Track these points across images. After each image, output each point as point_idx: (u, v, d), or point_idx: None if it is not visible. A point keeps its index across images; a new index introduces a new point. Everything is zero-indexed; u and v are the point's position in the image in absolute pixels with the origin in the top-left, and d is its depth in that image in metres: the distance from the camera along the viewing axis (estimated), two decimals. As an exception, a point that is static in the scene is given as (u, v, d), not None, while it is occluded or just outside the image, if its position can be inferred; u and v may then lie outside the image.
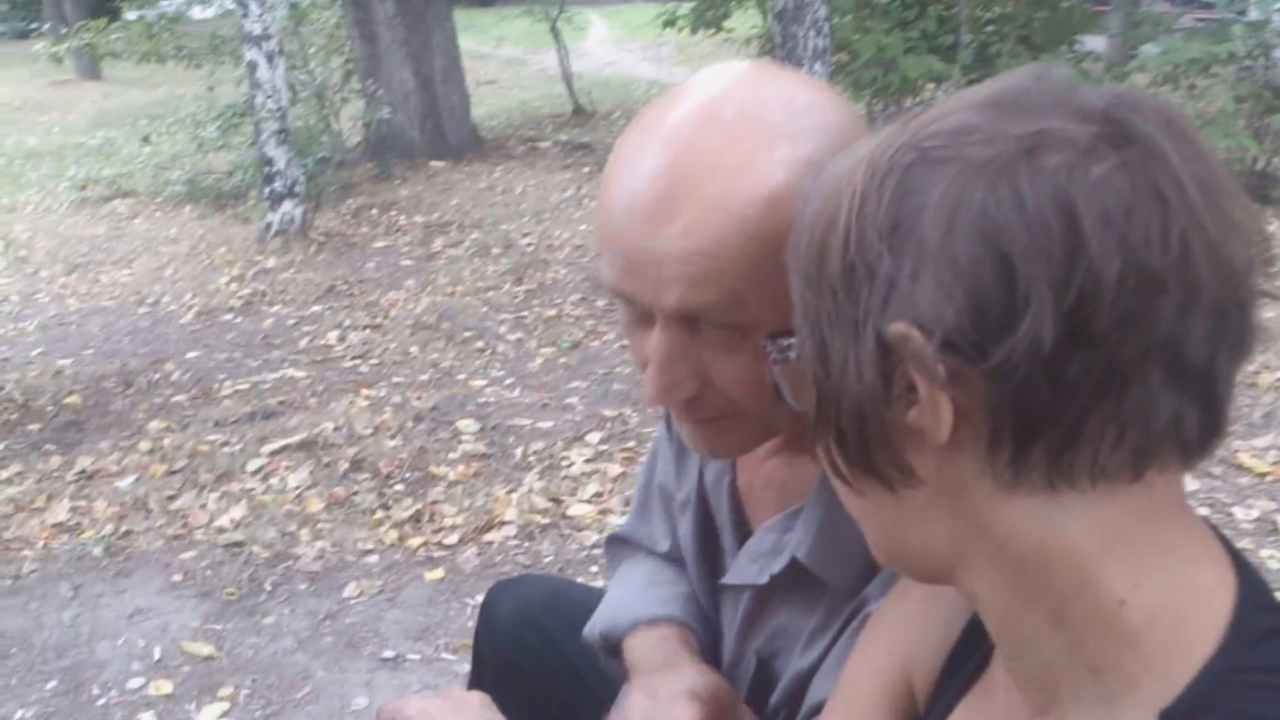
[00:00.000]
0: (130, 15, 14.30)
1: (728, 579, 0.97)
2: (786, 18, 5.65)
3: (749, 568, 0.93)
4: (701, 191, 0.71)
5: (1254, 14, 6.24)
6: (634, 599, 1.09)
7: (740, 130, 0.72)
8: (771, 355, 0.67)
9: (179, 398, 4.27)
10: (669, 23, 10.32)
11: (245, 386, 4.38)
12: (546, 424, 3.82)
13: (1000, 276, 0.47)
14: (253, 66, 6.36)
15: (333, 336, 4.99)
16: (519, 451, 3.60)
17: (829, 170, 0.57)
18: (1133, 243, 0.46)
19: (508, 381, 4.32)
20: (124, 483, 3.44)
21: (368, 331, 5.04)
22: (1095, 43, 9.25)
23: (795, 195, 0.69)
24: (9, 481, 3.54)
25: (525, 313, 5.17)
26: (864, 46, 6.94)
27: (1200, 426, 0.50)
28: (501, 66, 15.57)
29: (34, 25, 19.57)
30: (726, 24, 10.02)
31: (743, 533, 0.97)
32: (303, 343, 4.95)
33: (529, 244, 6.34)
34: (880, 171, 0.51)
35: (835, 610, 0.86)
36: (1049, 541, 0.52)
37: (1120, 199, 0.46)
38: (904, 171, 0.50)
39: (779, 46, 5.73)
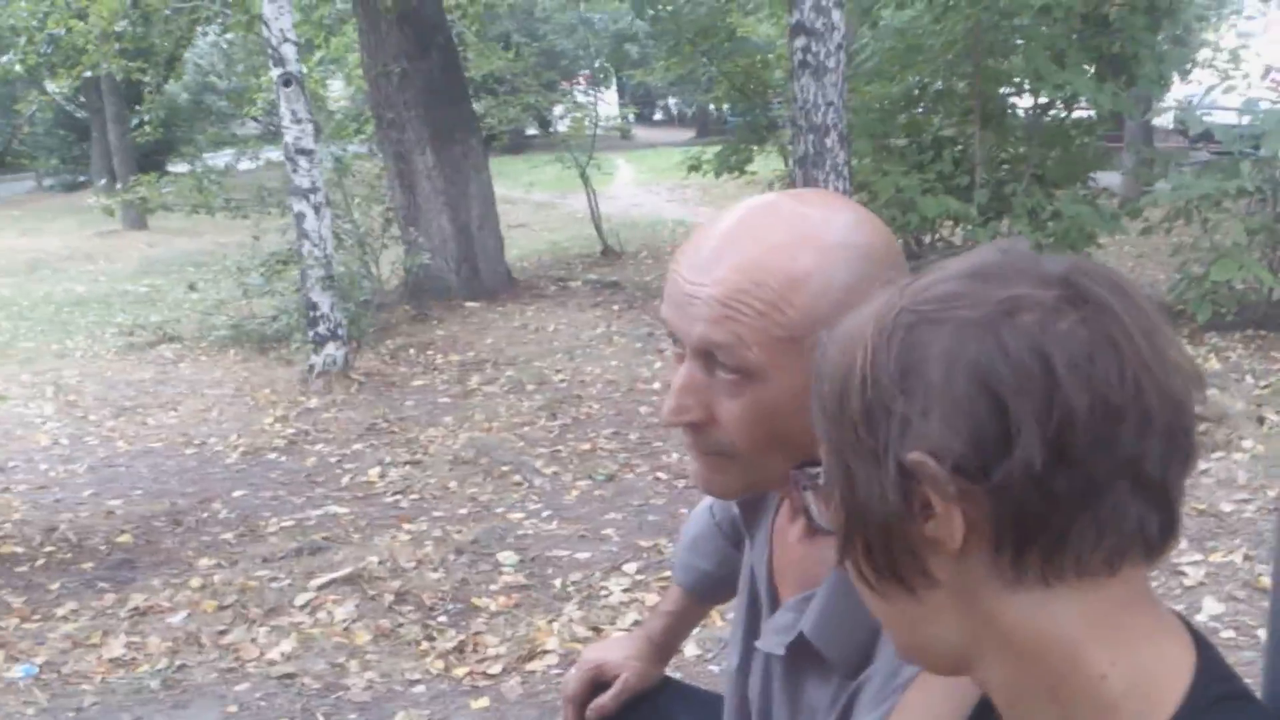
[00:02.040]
0: (176, 168, 15.06)
1: (758, 644, 1.10)
2: (808, 162, 5.92)
3: (772, 638, 1.05)
4: (739, 255, 0.89)
5: (1263, 150, 6.47)
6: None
7: (788, 221, 0.91)
8: (801, 482, 0.77)
9: (227, 535, 4.39)
10: (694, 167, 10.72)
11: (291, 523, 4.49)
12: (584, 555, 3.91)
13: (995, 412, 0.59)
14: (300, 217, 6.69)
15: (374, 473, 5.13)
16: (558, 582, 3.68)
17: (841, 327, 0.69)
18: (1096, 381, 0.59)
19: (545, 514, 4.42)
20: (176, 618, 3.54)
21: (408, 468, 5.17)
22: (1109, 178, 9.54)
23: (814, 283, 0.88)
24: (66, 618, 3.65)
25: (560, 447, 5.30)
26: (883, 188, 7.21)
27: (1160, 529, 0.62)
28: (532, 210, 16.11)
29: (83, 178, 20.46)
30: (749, 168, 10.41)
31: (775, 606, 1.10)
32: (345, 480, 5.08)
33: (562, 380, 6.52)
34: (886, 330, 0.63)
35: (841, 689, 0.97)
36: (1045, 629, 0.63)
37: (1083, 347, 0.59)
38: (907, 330, 0.62)
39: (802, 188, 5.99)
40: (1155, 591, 0.66)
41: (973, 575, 0.64)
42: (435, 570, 3.79)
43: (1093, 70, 7.30)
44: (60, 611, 3.72)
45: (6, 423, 6.18)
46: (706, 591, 1.49)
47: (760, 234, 0.90)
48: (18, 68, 10.86)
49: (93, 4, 9.19)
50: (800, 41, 5.75)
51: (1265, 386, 5.45)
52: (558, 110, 14.16)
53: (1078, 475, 0.59)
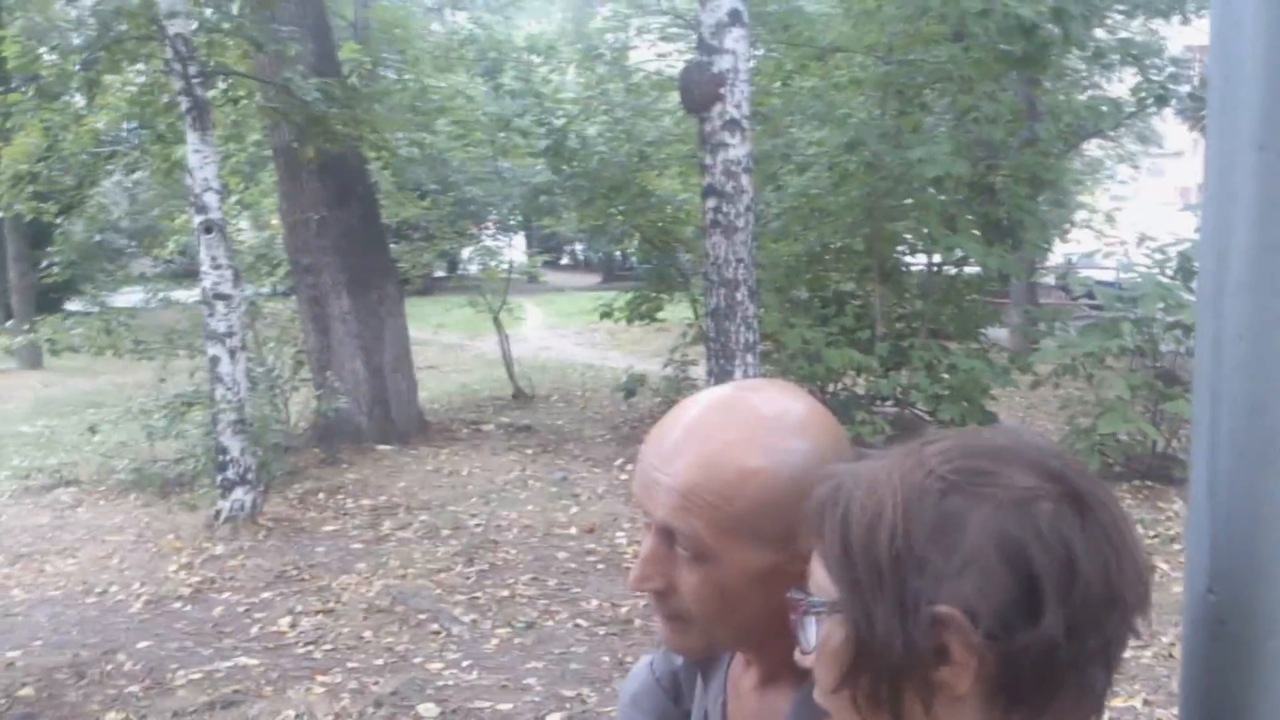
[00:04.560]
0: (75, 307, 14.78)
1: None
2: (720, 314, 6.18)
3: None
4: (696, 451, 0.99)
5: (1140, 311, 6.95)
6: None
7: (742, 419, 1.01)
8: (802, 607, 0.82)
9: (133, 688, 4.24)
10: (606, 314, 10.98)
11: (199, 676, 4.37)
12: (506, 706, 3.89)
13: (1026, 586, 0.70)
14: (215, 360, 6.67)
15: (285, 623, 5.03)
16: (481, 735, 3.65)
17: (859, 477, 0.78)
18: (1106, 572, 0.71)
19: (465, 663, 4.39)
20: (81, 778, 3.40)
21: (320, 617, 5.09)
22: (998, 334, 10.07)
23: (763, 478, 0.97)
24: (-43, 780, 3.48)
25: (478, 594, 5.29)
26: (790, 339, 7.52)
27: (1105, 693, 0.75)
28: (442, 351, 16.18)
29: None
30: (659, 315, 10.71)
31: None
32: (255, 630, 4.97)
33: (478, 525, 6.51)
34: (918, 489, 0.73)
35: None
36: None
37: (1094, 540, 0.71)
38: (940, 495, 0.72)
39: (713, 339, 6.23)
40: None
41: (962, 717, 0.73)
42: (356, 723, 3.73)
43: (980, 234, 7.82)
44: (-49, 774, 3.54)
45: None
46: None
47: (716, 431, 1.01)
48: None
49: (6, 146, 9.19)
50: (712, 202, 6.08)
51: (1154, 536, 5.75)
52: (466, 253, 14.41)
53: (1077, 650, 0.70)
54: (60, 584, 5.75)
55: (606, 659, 4.36)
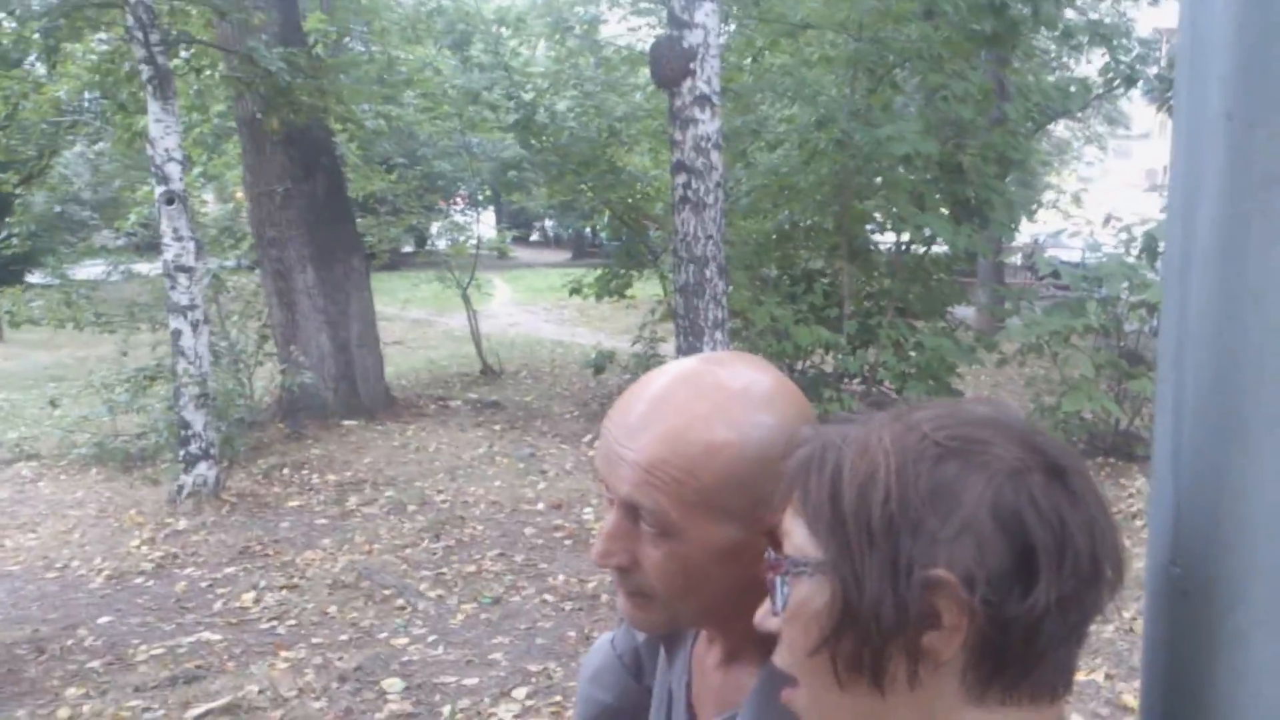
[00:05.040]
0: (36, 280, 14.53)
1: None
2: (689, 291, 6.17)
3: None
4: (661, 425, 0.97)
5: (1105, 290, 7.02)
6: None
7: (709, 392, 0.99)
8: (782, 567, 0.80)
9: (94, 663, 4.20)
10: (575, 290, 10.94)
11: (161, 651, 4.34)
12: (472, 680, 3.89)
13: (1022, 555, 0.69)
14: (177, 334, 6.59)
15: (248, 598, 4.99)
16: (446, 709, 3.65)
17: (846, 439, 0.77)
18: (1095, 543, 0.71)
19: (430, 639, 4.37)
20: (40, 754, 3.37)
21: (284, 592, 5.06)
22: (964, 313, 10.13)
23: (729, 453, 0.95)
24: (-86, 757, 3.44)
25: (444, 569, 5.27)
26: (759, 316, 7.52)
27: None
28: (409, 327, 16.07)
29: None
30: (629, 292, 10.68)
31: None
32: (218, 605, 4.94)
33: (444, 501, 6.49)
34: (912, 453, 0.72)
35: None
36: None
37: (1082, 515, 0.71)
38: (936, 460, 0.72)
39: (682, 316, 6.22)
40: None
41: (941, 685, 0.73)
42: (318, 699, 3.71)
43: (948, 213, 7.84)
44: (-92, 749, 3.50)
45: None
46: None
47: (682, 404, 0.98)
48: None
49: (-38, 113, 9.00)
50: (681, 178, 6.06)
51: (1118, 513, 5.80)
52: (435, 229, 14.32)
53: (1060, 623, 0.70)
54: (20, 559, 5.68)
55: (573, 634, 4.36)
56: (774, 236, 8.78)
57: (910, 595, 0.70)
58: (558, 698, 3.64)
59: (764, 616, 0.81)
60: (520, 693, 3.72)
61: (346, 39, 11.34)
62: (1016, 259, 16.22)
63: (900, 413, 0.77)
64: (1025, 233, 17.76)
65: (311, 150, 8.97)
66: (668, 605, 1.04)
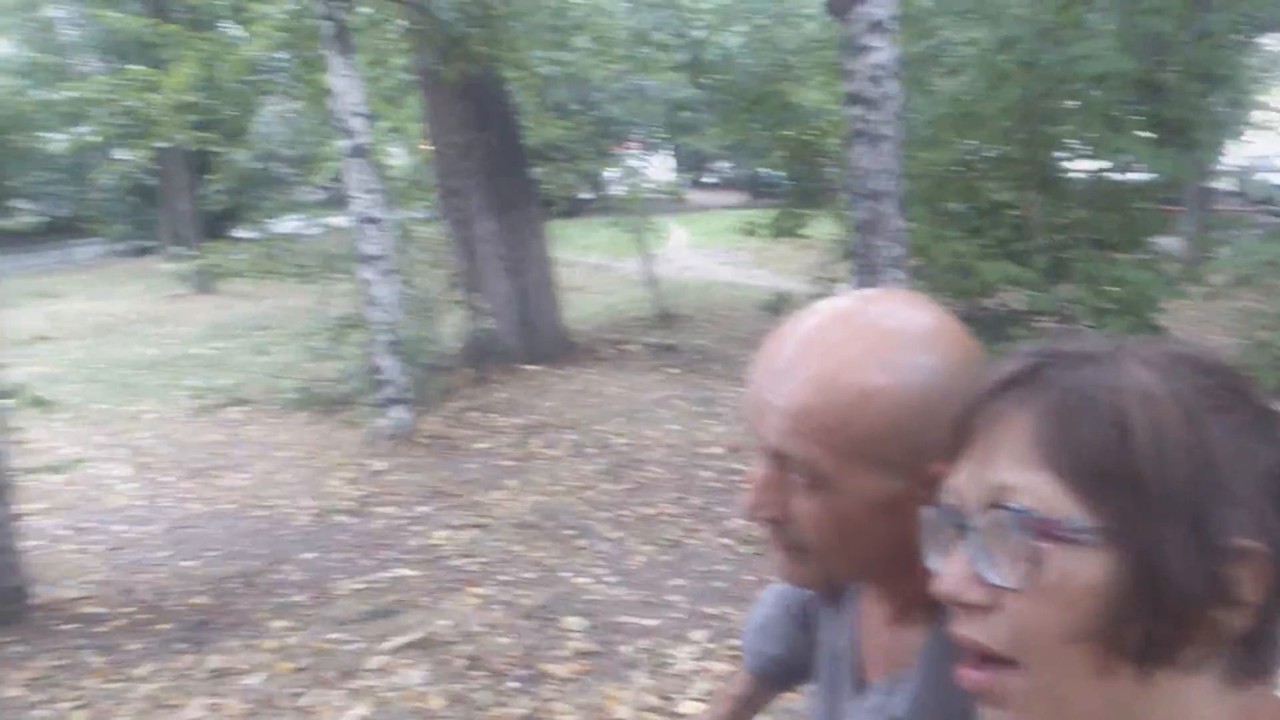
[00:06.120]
0: (241, 234, 15.47)
1: None
2: (866, 228, 5.98)
3: (863, 718, 1.08)
4: (812, 369, 0.91)
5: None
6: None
7: (861, 333, 0.92)
8: (1056, 530, 0.65)
9: (299, 597, 4.48)
10: (749, 231, 10.83)
11: (361, 586, 4.57)
12: (651, 621, 3.94)
13: None
14: (368, 283, 6.87)
15: (440, 536, 5.21)
16: (626, 649, 3.71)
17: (1110, 387, 0.66)
18: None
19: (610, 579, 4.46)
20: (253, 680, 3.62)
21: (473, 531, 5.25)
22: (1169, 242, 9.49)
23: (885, 399, 0.89)
24: (145, 679, 3.74)
25: (624, 511, 5.35)
26: (940, 253, 7.25)
27: None
28: (588, 273, 16.30)
29: (151, 244, 21.04)
30: (804, 232, 10.50)
31: (859, 688, 1.13)
32: (412, 542, 5.17)
33: (623, 444, 6.58)
34: (1199, 403, 0.64)
35: None
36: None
37: None
38: (1222, 413, 0.64)
39: (859, 255, 6.05)
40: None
41: (1212, 667, 0.65)
42: (504, 635, 3.84)
43: (1148, 136, 7.32)
44: (140, 672, 3.81)
45: (84, 484, 6.35)
46: (776, 677, 1.50)
47: (833, 347, 0.91)
48: (95, 139, 11.30)
49: (164, 78, 9.56)
50: (856, 110, 5.84)
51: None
52: (611, 174, 14.42)
53: None
54: (233, 498, 6.09)
55: (750, 578, 4.36)
56: (956, 168, 8.41)
57: (1218, 568, 0.61)
58: (734, 641, 3.65)
59: (962, 584, 0.69)
60: (698, 635, 3.75)
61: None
62: (1225, 184, 15.04)
63: (1151, 355, 0.67)
64: (1235, 155, 16.46)
65: (487, 100, 9.13)
66: (823, 560, 0.98)
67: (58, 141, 17.42)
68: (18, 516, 4.47)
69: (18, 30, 22.06)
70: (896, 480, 0.90)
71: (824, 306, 0.98)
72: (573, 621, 3.99)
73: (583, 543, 4.93)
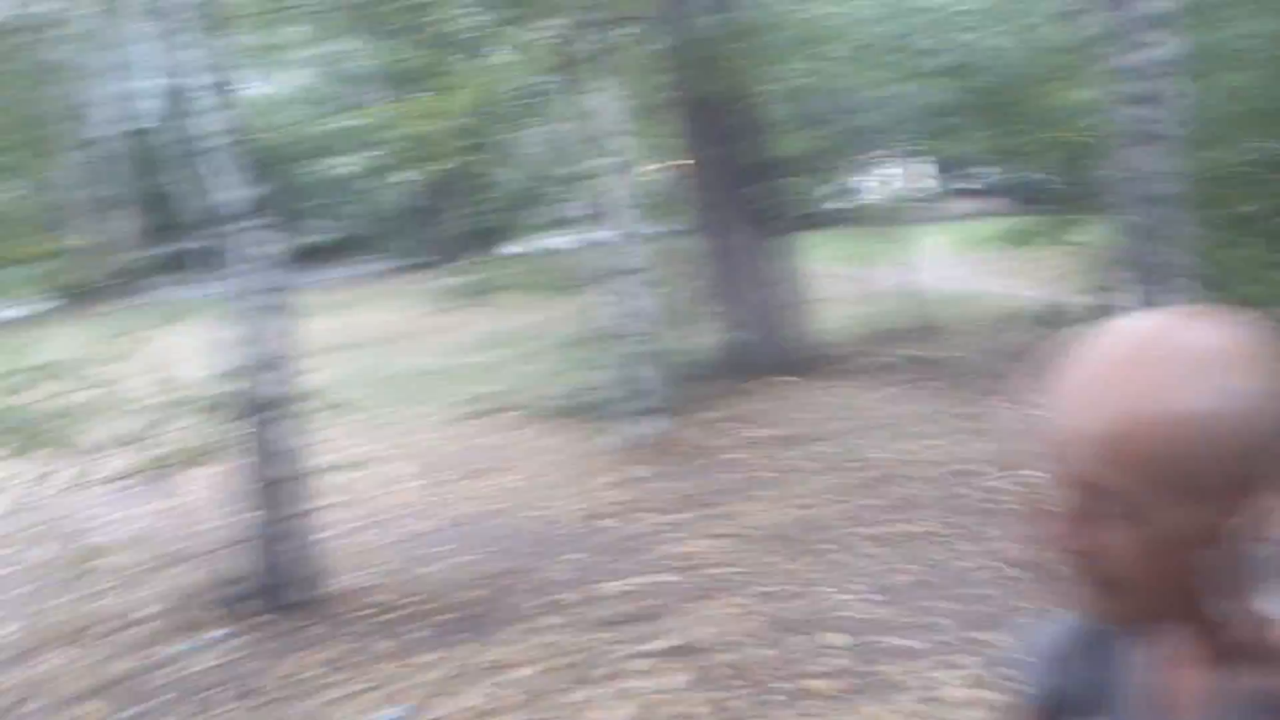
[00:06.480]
0: (506, 250, 16.34)
1: None
2: (1145, 235, 5.63)
3: None
4: (1125, 394, 0.87)
5: None
6: None
7: (1177, 355, 0.88)
8: None
9: (566, 596, 4.67)
10: (1014, 240, 10.40)
11: (624, 588, 4.72)
12: (916, 644, 3.85)
13: None
14: (626, 295, 7.09)
15: (699, 543, 5.29)
16: (890, 670, 3.65)
17: None
18: None
19: (872, 597, 4.39)
20: (527, 672, 3.81)
21: (730, 540, 5.30)
22: None
23: (1203, 426, 0.84)
24: (429, 665, 4.02)
25: (884, 528, 5.25)
26: (1231, 262, 6.71)
27: None
28: (841, 284, 16.10)
29: (425, 260, 22.49)
30: (1075, 239, 9.96)
31: None
32: (672, 549, 5.27)
33: (883, 458, 6.46)
34: None
35: None
36: None
37: None
38: None
39: (1137, 263, 5.69)
40: None
41: None
42: (765, 647, 3.86)
43: None
44: (424, 659, 4.09)
45: (370, 482, 6.87)
46: (1060, 712, 1.42)
47: (1146, 370, 0.88)
48: (377, 163, 12.28)
49: (440, 104, 10.24)
50: (1132, 110, 5.51)
51: None
52: (865, 184, 14.21)
53: None
54: (505, 499, 6.42)
55: (1022, 604, 4.18)
56: (1245, 168, 7.75)
57: None
58: (1008, 670, 3.50)
59: None
60: (967, 661, 3.63)
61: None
62: None
63: None
64: None
65: (738, 113, 9.23)
66: (1132, 595, 0.94)
67: (345, 166, 19.00)
68: (315, 510, 4.91)
69: (310, 64, 24.16)
70: (1214, 512, 0.86)
71: (1129, 326, 0.94)
72: (834, 638, 3.95)
73: (842, 558, 4.88)
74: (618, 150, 6.99)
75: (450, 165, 11.58)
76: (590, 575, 4.93)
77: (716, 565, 4.95)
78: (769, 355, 9.21)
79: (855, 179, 13.66)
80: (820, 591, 4.48)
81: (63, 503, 5.20)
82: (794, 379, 8.89)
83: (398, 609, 4.64)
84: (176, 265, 15.26)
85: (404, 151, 12.29)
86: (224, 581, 4.78)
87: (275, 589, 4.73)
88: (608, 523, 5.77)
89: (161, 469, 4.74)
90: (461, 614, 4.54)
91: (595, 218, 7.79)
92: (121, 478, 4.82)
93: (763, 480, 6.31)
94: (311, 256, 24.91)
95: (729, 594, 4.49)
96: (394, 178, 16.85)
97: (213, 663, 4.25)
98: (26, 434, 4.55)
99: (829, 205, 15.76)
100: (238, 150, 4.61)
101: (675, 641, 3.95)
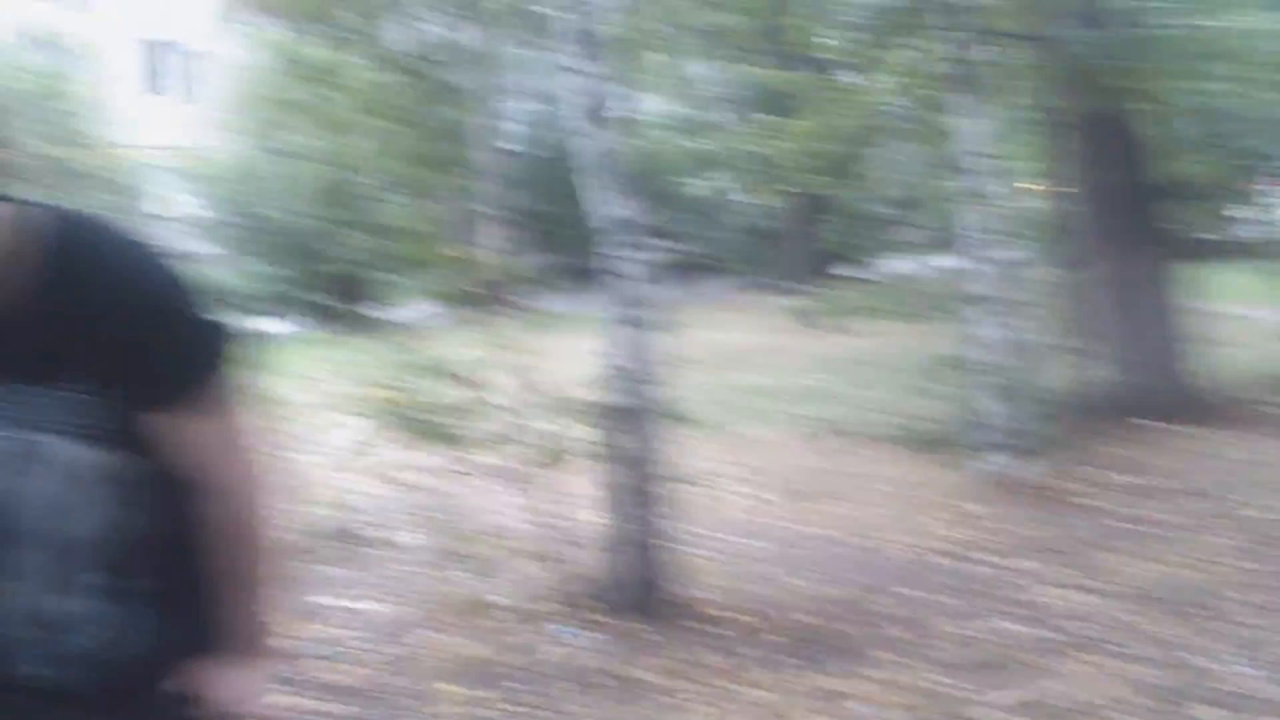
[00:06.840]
0: (845, 272, 16.14)
1: None
2: None
3: None
4: None
5: None
6: None
7: None
8: None
9: (899, 632, 4.49)
10: None
11: (960, 631, 4.47)
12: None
13: None
14: (975, 324, 6.77)
15: (1046, 593, 4.93)
16: (1276, 758, 3.21)
17: None
18: None
19: (1251, 672, 3.90)
20: (863, 709, 3.69)
21: (1082, 594, 4.89)
22: None
23: None
24: (758, 685, 3.99)
25: (1264, 595, 4.67)
26: None
27: None
28: (1220, 322, 14.57)
29: (768, 281, 22.71)
30: None
31: None
32: (1015, 595, 4.94)
33: (1263, 519, 5.76)
34: None
35: None
36: None
37: None
38: None
39: None
40: None
41: None
42: (1128, 713, 3.52)
43: None
44: (753, 677, 4.07)
45: (707, 497, 6.94)
46: None
47: None
48: (728, 184, 12.52)
49: (791, 126, 10.25)
50: None
51: None
52: (1253, 213, 12.80)
53: None
54: (833, 524, 6.30)
55: None
56: None
57: None
58: None
59: None
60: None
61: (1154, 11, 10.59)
62: None
63: None
64: None
65: (1111, 135, 8.58)
66: None
67: (697, 186, 19.58)
68: (661, 519, 5.03)
69: (667, 88, 25.12)
70: None
71: None
72: (1206, 711, 3.54)
73: (1215, 625, 4.37)
74: (979, 172, 6.69)
75: (798, 188, 11.63)
76: (923, 613, 4.71)
77: (1068, 618, 4.58)
78: (1133, 397, 8.47)
79: (1243, 207, 12.34)
80: (1187, 660, 4.04)
81: (438, 492, 5.63)
82: (1161, 424, 8.12)
83: (727, 624, 4.65)
84: (561, 277, 16.38)
85: (752, 173, 12.46)
86: (571, 579, 5.00)
87: (618, 591, 4.88)
88: (942, 561, 5.51)
89: (527, 468, 5.03)
90: (791, 638, 4.48)
91: (950, 242, 7.52)
92: (490, 473, 5.16)
93: (1120, 532, 5.80)
94: (666, 273, 25.92)
95: (1084, 651, 4.14)
96: (752, 198, 17.16)
97: (557, 655, 4.45)
98: (420, 427, 4.99)
99: (1212, 236, 14.35)
100: (618, 169, 4.84)
101: (1027, 697, 3.69)
